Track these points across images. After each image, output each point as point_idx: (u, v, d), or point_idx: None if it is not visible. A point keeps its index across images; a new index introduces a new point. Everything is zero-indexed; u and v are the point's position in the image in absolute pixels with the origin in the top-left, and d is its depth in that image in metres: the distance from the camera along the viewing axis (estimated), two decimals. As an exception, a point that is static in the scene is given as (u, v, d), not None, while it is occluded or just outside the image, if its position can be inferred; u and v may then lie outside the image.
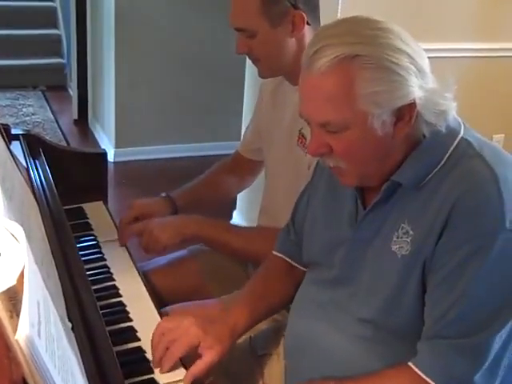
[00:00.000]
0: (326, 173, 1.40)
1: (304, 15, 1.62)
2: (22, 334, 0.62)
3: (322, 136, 1.19)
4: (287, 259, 1.53)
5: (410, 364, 1.18)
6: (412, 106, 1.14)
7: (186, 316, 1.36)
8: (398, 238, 1.21)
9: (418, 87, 1.14)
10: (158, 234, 1.71)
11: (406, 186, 1.21)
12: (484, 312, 1.13)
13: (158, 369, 1.29)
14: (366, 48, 1.12)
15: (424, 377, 1.15)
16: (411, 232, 1.19)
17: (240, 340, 1.57)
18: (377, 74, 1.12)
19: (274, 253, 1.55)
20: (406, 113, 1.15)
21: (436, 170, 1.19)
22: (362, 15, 1.21)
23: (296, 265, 1.51)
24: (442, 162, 1.19)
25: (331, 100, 1.14)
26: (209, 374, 1.35)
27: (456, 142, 1.20)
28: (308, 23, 1.64)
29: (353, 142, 1.17)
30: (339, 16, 2.66)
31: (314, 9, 1.67)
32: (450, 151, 1.19)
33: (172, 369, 1.29)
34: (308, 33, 1.66)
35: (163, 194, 1.94)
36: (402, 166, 1.21)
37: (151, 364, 1.30)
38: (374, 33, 1.14)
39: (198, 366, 1.28)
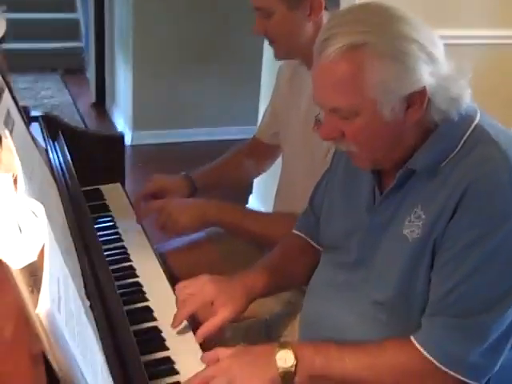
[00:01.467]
0: (344, 159, 1.41)
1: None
2: (42, 309, 0.64)
3: (333, 121, 1.20)
4: (306, 238, 1.55)
5: (411, 338, 1.20)
6: (422, 92, 1.15)
7: (202, 275, 1.39)
8: (409, 221, 1.22)
9: (429, 74, 1.14)
10: (177, 216, 1.71)
11: (421, 172, 1.21)
12: (487, 295, 1.14)
13: (172, 343, 1.31)
14: (375, 36, 1.13)
15: (422, 351, 1.17)
16: (423, 216, 1.20)
17: (255, 322, 1.60)
18: (385, 63, 1.12)
19: (294, 231, 1.57)
20: (417, 99, 1.15)
21: (451, 156, 1.19)
22: (376, 2, 1.21)
23: (314, 244, 1.53)
24: (457, 149, 1.19)
25: (340, 87, 1.15)
26: (221, 333, 1.38)
27: (471, 128, 1.20)
28: (326, 8, 1.64)
29: (363, 127, 1.18)
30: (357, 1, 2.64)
31: None
32: (465, 137, 1.19)
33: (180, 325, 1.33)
34: (326, 18, 1.65)
35: (183, 173, 1.95)
36: (416, 153, 1.21)
37: (167, 342, 1.32)
38: (384, 20, 1.15)
39: (210, 323, 1.31)
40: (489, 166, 1.15)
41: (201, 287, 1.36)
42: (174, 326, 1.34)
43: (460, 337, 1.15)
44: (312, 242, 1.54)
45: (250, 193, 3.74)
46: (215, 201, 1.80)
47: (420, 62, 1.13)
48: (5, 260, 0.66)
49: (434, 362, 1.16)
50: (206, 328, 1.31)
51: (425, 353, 1.17)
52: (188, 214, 1.73)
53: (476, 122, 1.21)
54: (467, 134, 1.20)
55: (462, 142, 1.19)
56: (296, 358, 1.20)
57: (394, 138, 1.20)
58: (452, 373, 1.15)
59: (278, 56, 1.76)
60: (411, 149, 1.22)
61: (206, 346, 1.33)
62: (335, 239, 1.40)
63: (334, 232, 1.41)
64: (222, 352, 1.24)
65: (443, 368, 1.16)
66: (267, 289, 1.43)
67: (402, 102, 1.15)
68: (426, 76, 1.13)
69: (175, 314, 1.34)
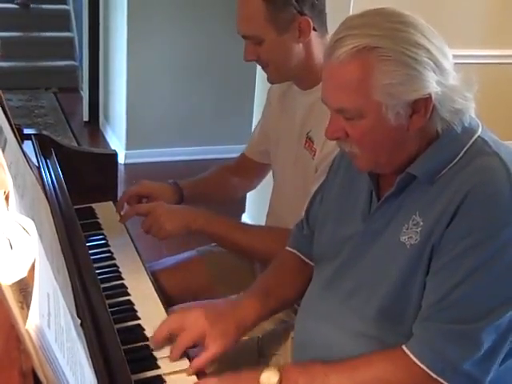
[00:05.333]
0: (342, 171, 1.43)
1: (310, 21, 1.63)
2: (32, 324, 0.64)
3: (339, 121, 1.23)
4: (299, 255, 1.54)
5: (403, 347, 1.19)
6: (428, 100, 1.16)
7: (195, 308, 1.40)
8: (407, 229, 1.23)
9: (436, 82, 1.15)
10: (164, 221, 1.71)
11: (421, 179, 1.22)
12: (481, 302, 1.14)
13: (163, 363, 1.31)
14: (385, 41, 1.14)
15: (416, 360, 1.17)
16: (421, 223, 1.21)
17: (248, 340, 1.59)
18: (393, 67, 1.14)
19: (287, 248, 1.57)
20: (422, 106, 1.17)
21: (451, 164, 1.20)
22: (389, 7, 1.22)
23: (308, 261, 1.53)
24: (458, 158, 1.20)
25: (346, 88, 1.18)
26: (212, 364, 1.38)
27: (473, 139, 1.22)
28: (314, 29, 1.66)
29: (367, 130, 1.20)
30: (351, 12, 2.67)
31: (319, 14, 1.68)
32: (466, 148, 1.21)
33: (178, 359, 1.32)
34: (315, 38, 1.67)
35: (171, 181, 1.95)
36: (417, 159, 1.23)
37: (158, 361, 1.31)
38: (395, 26, 1.16)
39: (201, 359, 1.32)
40: (489, 175, 1.17)
41: (194, 321, 1.35)
42: (171, 360, 1.33)
43: (454, 344, 1.15)
44: (305, 259, 1.53)
45: (243, 211, 3.75)
46: (205, 211, 1.79)
47: (427, 70, 1.15)
48: (-5, 276, 0.66)
49: (425, 369, 1.15)
50: (197, 363, 1.31)
51: (416, 360, 1.16)
52: (175, 221, 1.72)
53: (478, 134, 1.23)
54: (468, 144, 1.21)
55: (463, 152, 1.21)
56: (280, 376, 1.22)
57: (396, 143, 1.22)
58: (442, 381, 1.15)
59: (272, 80, 1.78)
60: (412, 155, 1.23)
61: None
62: (327, 248, 1.41)
63: (328, 241, 1.41)
64: (210, 381, 1.26)
65: (434, 376, 1.15)
66: (259, 318, 1.43)
67: (407, 107, 1.17)
68: (432, 84, 1.15)
69: (171, 351, 1.33)
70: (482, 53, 3.08)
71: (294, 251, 1.55)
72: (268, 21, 1.62)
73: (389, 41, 1.14)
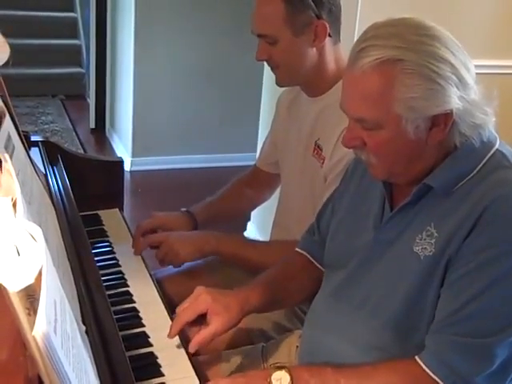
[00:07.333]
0: (356, 178, 1.43)
1: (327, 25, 1.64)
2: (38, 331, 0.64)
3: (357, 130, 1.23)
4: (308, 256, 1.55)
5: (416, 358, 1.19)
6: (448, 115, 1.16)
7: (199, 287, 1.41)
8: (421, 239, 1.22)
9: (458, 98, 1.15)
10: (177, 249, 1.73)
11: (438, 190, 1.22)
12: (496, 317, 1.14)
13: (168, 370, 1.32)
14: (409, 54, 1.14)
15: (428, 371, 1.16)
16: (436, 234, 1.20)
17: (252, 349, 1.59)
18: (416, 81, 1.14)
19: (297, 249, 1.58)
20: (442, 121, 1.17)
21: (469, 177, 1.20)
22: (416, 18, 1.22)
23: (316, 263, 1.53)
24: (476, 171, 1.20)
25: (368, 99, 1.17)
26: (215, 345, 1.40)
27: (491, 152, 1.22)
28: (329, 35, 1.66)
29: (385, 141, 1.20)
30: (358, 20, 2.66)
31: (335, 21, 1.69)
32: (484, 160, 1.21)
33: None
34: (328, 45, 1.68)
35: (183, 209, 1.96)
36: (435, 171, 1.23)
37: (162, 368, 1.31)
38: (420, 39, 1.16)
39: (204, 333, 1.33)
40: (508, 188, 1.17)
41: (195, 297, 1.37)
42: (169, 336, 1.36)
43: (466, 358, 1.14)
44: (314, 261, 1.54)
45: (248, 220, 3.74)
46: (214, 232, 1.81)
47: (451, 85, 1.14)
48: (2, 283, 0.67)
49: (437, 380, 1.15)
50: (200, 338, 1.32)
51: (428, 371, 1.16)
52: (188, 246, 1.74)
53: (496, 147, 1.23)
54: (487, 157, 1.21)
55: (481, 164, 1.21)
56: (291, 379, 1.21)
57: (413, 155, 1.22)
58: None
59: (281, 82, 1.77)
60: (429, 167, 1.23)
61: (200, 370, 1.34)
62: (338, 257, 1.41)
63: (339, 250, 1.42)
64: (221, 382, 1.26)
65: None
66: (262, 303, 1.44)
67: (427, 121, 1.17)
68: (454, 99, 1.15)
69: (171, 324, 1.36)
70: (488, 63, 3.08)
71: (304, 253, 1.56)
72: (285, 21, 1.62)
73: (413, 54, 1.14)
